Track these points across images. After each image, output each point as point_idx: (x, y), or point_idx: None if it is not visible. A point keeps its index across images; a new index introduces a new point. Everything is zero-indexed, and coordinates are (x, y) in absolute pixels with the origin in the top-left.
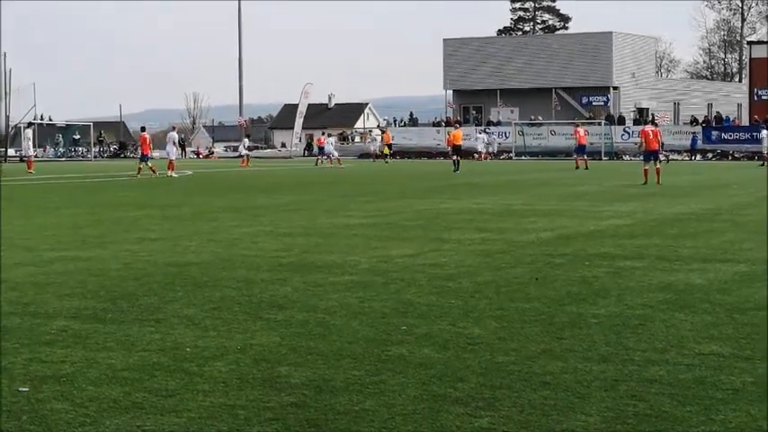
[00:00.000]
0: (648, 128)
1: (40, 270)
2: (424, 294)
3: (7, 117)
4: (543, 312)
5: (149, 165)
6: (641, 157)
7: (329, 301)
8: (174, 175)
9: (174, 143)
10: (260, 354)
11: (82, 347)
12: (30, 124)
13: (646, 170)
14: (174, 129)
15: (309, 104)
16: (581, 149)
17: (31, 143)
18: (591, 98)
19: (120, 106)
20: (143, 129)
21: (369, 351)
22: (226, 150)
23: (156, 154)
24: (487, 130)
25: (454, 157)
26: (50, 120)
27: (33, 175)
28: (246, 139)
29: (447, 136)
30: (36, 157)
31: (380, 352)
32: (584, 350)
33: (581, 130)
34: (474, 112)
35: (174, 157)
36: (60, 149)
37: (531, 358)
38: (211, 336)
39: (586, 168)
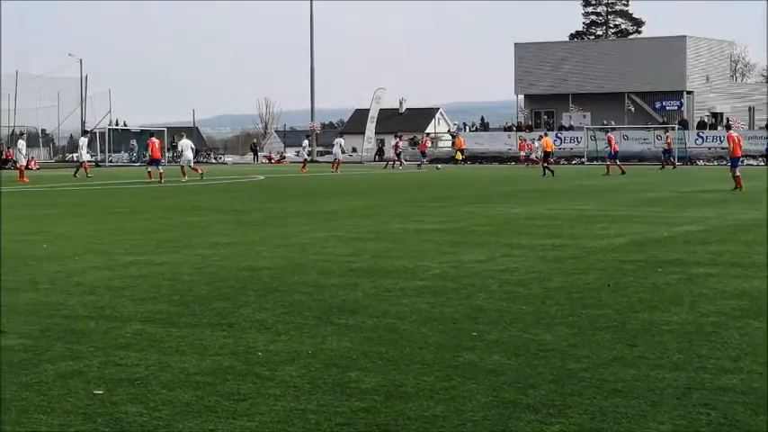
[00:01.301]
0: (734, 133)
1: (115, 274)
2: (495, 300)
3: (83, 122)
4: (615, 319)
5: (159, 170)
6: (728, 163)
7: (400, 306)
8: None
9: (191, 148)
10: (331, 358)
11: (156, 351)
12: (21, 134)
13: (738, 176)
14: (152, 135)
15: (381, 109)
16: (615, 155)
17: (24, 152)
18: (664, 102)
19: (194, 111)
20: (152, 134)
21: (439, 357)
22: (297, 155)
23: (228, 159)
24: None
25: (544, 164)
26: (125, 125)
27: (27, 184)
28: (306, 141)
29: (524, 141)
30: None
31: (451, 358)
32: (657, 357)
33: (612, 136)
34: (545, 116)
35: (184, 163)
36: (134, 154)
37: (602, 365)
38: (283, 340)
39: (622, 173)
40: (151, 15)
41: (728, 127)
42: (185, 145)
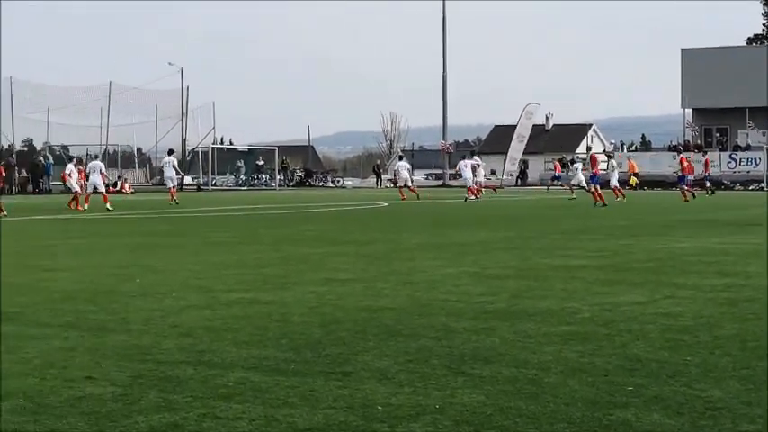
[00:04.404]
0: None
1: (216, 314)
2: (655, 349)
3: (184, 140)
4: None
5: None
6: None
7: (543, 354)
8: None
9: (102, 172)
10: (461, 414)
11: (261, 403)
12: (71, 158)
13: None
14: (96, 157)
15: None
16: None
17: (74, 176)
18: None
19: (309, 128)
20: None
21: (588, 415)
22: (426, 178)
23: (348, 182)
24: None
25: None
26: (231, 143)
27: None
28: (478, 160)
29: (691, 163)
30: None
31: (602, 416)
32: None
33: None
34: (718, 134)
35: (102, 189)
36: (242, 177)
37: None
38: (406, 392)
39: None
40: (259, 22)
41: None
42: (93, 167)
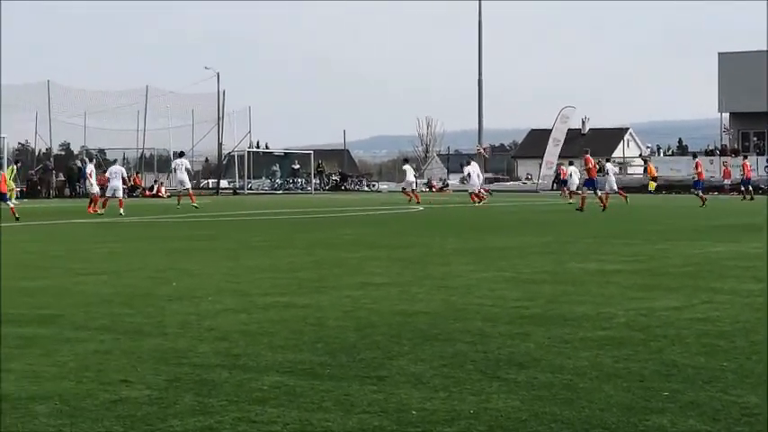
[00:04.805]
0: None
1: (252, 318)
2: (691, 355)
3: (220, 144)
4: None
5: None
6: None
7: (578, 360)
8: (121, 212)
9: (123, 176)
10: (496, 420)
11: (296, 407)
12: (91, 158)
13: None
14: (115, 161)
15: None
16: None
17: (93, 178)
18: None
19: (345, 132)
20: None
21: (624, 420)
22: (462, 182)
23: (383, 186)
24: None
25: None
26: (267, 147)
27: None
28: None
29: (729, 168)
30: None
31: (637, 421)
32: None
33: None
34: (755, 138)
35: (121, 195)
36: (277, 181)
37: None
38: (441, 397)
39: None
40: (285, 24)
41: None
42: (113, 173)
